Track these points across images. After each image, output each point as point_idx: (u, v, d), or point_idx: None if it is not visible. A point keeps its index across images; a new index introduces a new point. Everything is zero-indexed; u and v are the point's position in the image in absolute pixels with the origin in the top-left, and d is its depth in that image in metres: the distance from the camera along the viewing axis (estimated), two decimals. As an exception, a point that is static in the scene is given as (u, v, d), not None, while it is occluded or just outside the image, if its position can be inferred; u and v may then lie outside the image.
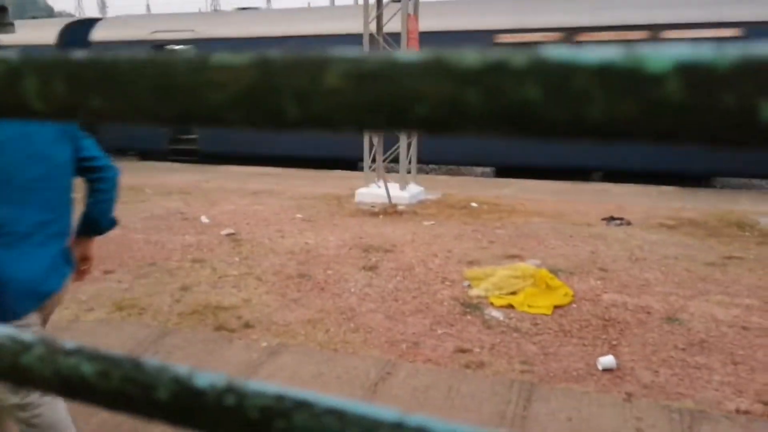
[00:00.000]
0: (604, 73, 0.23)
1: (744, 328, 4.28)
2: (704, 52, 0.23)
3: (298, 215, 7.89)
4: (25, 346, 0.43)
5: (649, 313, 4.58)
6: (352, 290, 5.11)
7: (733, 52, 0.22)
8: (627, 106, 0.23)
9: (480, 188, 10.50)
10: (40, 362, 0.42)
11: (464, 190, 10.16)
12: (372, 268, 5.66)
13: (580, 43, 11.43)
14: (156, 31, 14.73)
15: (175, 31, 14.55)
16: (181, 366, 0.42)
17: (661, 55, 0.23)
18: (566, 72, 0.24)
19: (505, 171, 12.67)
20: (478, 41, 11.17)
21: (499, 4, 11.98)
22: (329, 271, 5.63)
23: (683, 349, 3.99)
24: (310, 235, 6.88)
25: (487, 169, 13.78)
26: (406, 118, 0.27)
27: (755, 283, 5.22)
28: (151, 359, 0.42)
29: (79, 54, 0.32)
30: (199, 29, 14.32)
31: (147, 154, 14.88)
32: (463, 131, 0.26)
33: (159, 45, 14.67)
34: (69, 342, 0.43)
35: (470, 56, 0.25)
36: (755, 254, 6.16)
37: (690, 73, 0.23)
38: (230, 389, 0.40)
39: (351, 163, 12.55)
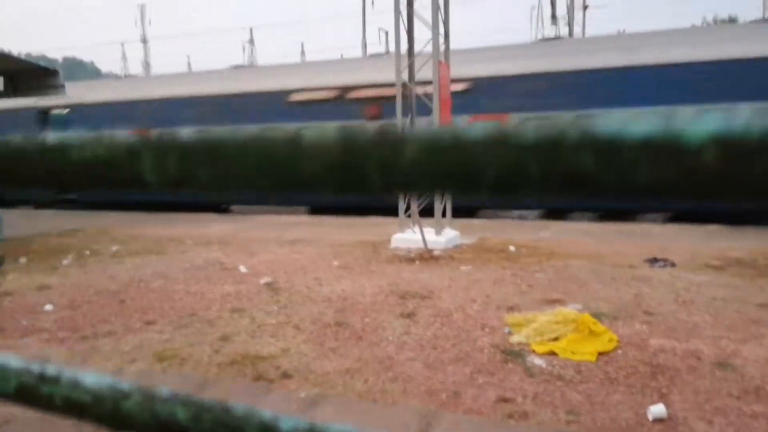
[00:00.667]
0: (648, 144, 0.27)
1: (802, 373, 4.08)
2: (735, 124, 0.26)
3: (335, 263, 7.96)
4: (124, 394, 0.48)
5: (699, 358, 4.41)
6: (390, 338, 5.09)
7: (761, 123, 0.26)
8: (669, 173, 0.27)
9: (517, 231, 10.43)
10: (139, 408, 0.46)
11: (501, 233, 10.11)
12: (409, 316, 5.63)
13: (351, 99, 13.44)
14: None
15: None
16: (266, 410, 0.45)
17: (697, 127, 0.27)
18: (615, 144, 0.27)
19: (550, 213, 12.67)
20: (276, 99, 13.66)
21: (291, 70, 15.04)
22: (367, 319, 5.63)
23: (738, 397, 3.81)
24: (347, 283, 6.91)
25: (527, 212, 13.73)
26: (475, 184, 0.31)
27: (811, 326, 4.99)
28: (239, 404, 0.45)
29: (188, 133, 0.37)
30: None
31: (40, 203, 16.09)
32: (525, 195, 0.30)
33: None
34: (164, 388, 0.47)
35: (529, 131, 0.29)
36: (809, 295, 5.91)
37: (723, 143, 0.26)
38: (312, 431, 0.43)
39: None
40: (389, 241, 9.13)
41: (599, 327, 4.97)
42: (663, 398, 3.83)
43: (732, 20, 31.52)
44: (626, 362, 4.43)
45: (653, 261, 7.59)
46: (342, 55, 26.62)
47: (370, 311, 5.85)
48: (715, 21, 32.93)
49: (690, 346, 4.65)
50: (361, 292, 6.53)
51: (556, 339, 4.86)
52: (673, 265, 7.43)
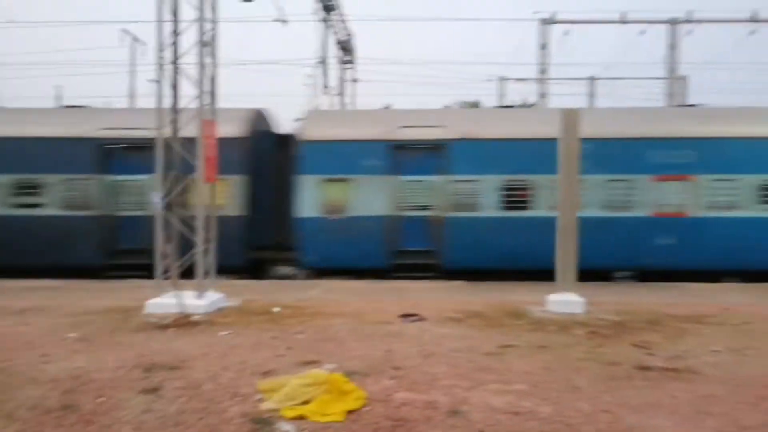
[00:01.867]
0: None
1: (516, 413, 4.61)
2: None
3: (72, 334, 6.97)
4: None
5: (435, 408, 4.72)
6: (127, 418, 4.52)
7: None
8: None
9: (285, 292, 10.39)
10: None
11: (268, 294, 9.96)
12: (154, 390, 5.10)
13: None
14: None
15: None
16: None
17: None
18: None
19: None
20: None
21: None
22: (101, 399, 4.94)
23: (464, 442, 4.13)
24: (83, 358, 6.06)
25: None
26: None
27: (525, 369, 5.73)
28: None
29: None
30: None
31: None
32: None
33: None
34: None
35: None
36: (526, 341, 6.83)
37: None
38: None
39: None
40: (144, 306, 8.34)
41: (349, 386, 5.05)
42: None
43: (475, 105, 36.93)
44: (371, 418, 4.55)
45: (406, 316, 8.12)
46: (108, 104, 24.59)
47: (106, 389, 5.17)
48: (463, 104, 38.21)
49: (429, 396, 4.96)
50: (100, 367, 5.76)
51: (307, 402, 4.81)
52: (423, 319, 8.03)
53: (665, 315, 8.29)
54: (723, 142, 10.28)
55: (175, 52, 8.74)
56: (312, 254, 12.59)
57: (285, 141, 13.86)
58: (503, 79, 29.95)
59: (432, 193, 12.61)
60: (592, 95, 29.71)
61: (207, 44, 8.53)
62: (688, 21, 20.99)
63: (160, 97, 8.65)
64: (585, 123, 11.37)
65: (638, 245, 12.27)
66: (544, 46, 21.49)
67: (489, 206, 12.41)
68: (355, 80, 23.76)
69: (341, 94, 21.76)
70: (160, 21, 8.46)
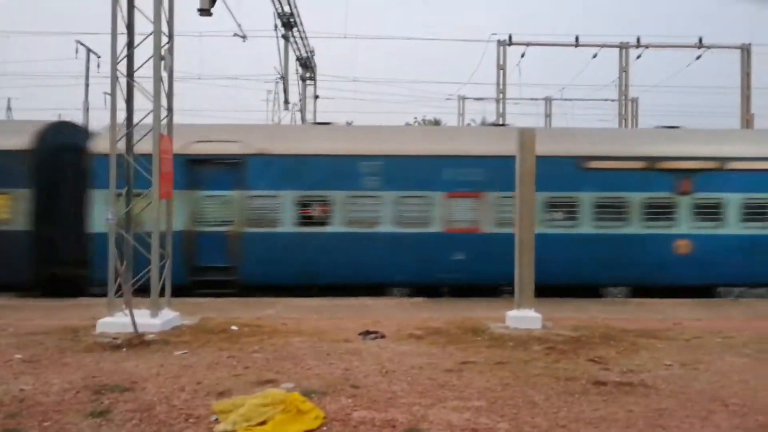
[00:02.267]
0: None
1: (473, 430, 4.61)
2: None
3: (18, 356, 6.66)
4: None
5: (394, 426, 4.68)
6: (73, 443, 4.33)
7: None
8: None
9: (244, 310, 10.19)
10: None
11: (226, 312, 9.76)
12: (102, 414, 4.90)
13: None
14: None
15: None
16: None
17: None
18: None
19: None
20: None
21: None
22: (47, 423, 4.73)
23: (423, 460, 4.10)
24: (29, 380, 5.79)
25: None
26: None
27: (484, 385, 5.75)
28: None
29: None
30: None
31: None
32: None
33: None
34: None
35: None
36: (485, 357, 6.87)
37: None
38: None
39: None
40: (95, 326, 8.05)
41: (307, 405, 4.97)
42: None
43: (436, 123, 37.47)
44: (329, 439, 4.48)
45: (366, 334, 8.07)
46: (60, 116, 23.89)
47: (52, 413, 4.95)
48: (424, 121, 38.74)
49: (387, 415, 4.92)
50: (46, 390, 5.51)
51: (263, 422, 4.70)
52: (383, 336, 7.99)
53: (620, 330, 8.48)
54: (511, 160, 10.56)
55: (130, 65, 8.57)
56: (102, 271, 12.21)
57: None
58: (463, 98, 30.53)
59: (230, 209, 12.48)
60: (548, 115, 30.56)
61: (163, 58, 8.39)
62: (638, 46, 21.84)
63: (114, 111, 8.46)
64: (380, 140, 11.60)
65: (433, 261, 12.43)
66: (501, 67, 21.99)
67: (286, 222, 12.41)
68: (316, 96, 23.81)
69: (302, 110, 21.75)
70: (114, 33, 8.30)
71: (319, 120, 22.07)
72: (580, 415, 4.98)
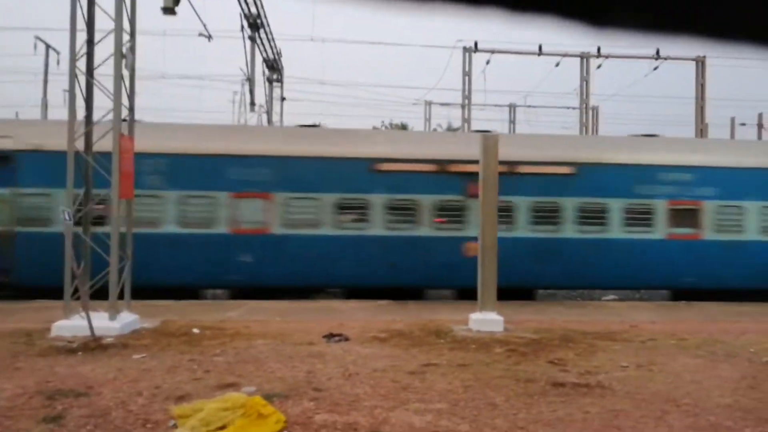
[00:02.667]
0: None
1: (435, 432, 4.64)
2: None
3: (-33, 360, 6.43)
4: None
5: (355, 429, 4.68)
6: (23, 451, 4.20)
7: None
8: None
9: (205, 312, 10.04)
10: None
11: (188, 315, 9.60)
12: (56, 419, 4.77)
13: None
14: None
15: None
16: None
17: None
18: None
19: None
20: None
21: None
22: (-3, 429, 4.58)
23: (384, 463, 4.11)
24: (-22, 385, 5.60)
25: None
26: None
27: (446, 388, 5.80)
28: None
29: None
30: None
31: None
32: None
33: None
34: None
35: None
36: (447, 359, 6.93)
37: None
38: None
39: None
40: (51, 329, 7.82)
41: (268, 409, 4.92)
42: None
43: (403, 127, 37.61)
44: (290, 443, 4.45)
45: (330, 336, 8.04)
46: (17, 114, 23.14)
47: (3, 419, 4.79)
48: (391, 125, 38.85)
49: (349, 418, 4.92)
50: (-3, 395, 5.33)
51: (223, 427, 4.64)
52: (347, 339, 7.98)
53: (579, 332, 8.67)
54: (301, 161, 10.66)
55: (90, 62, 8.38)
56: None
57: None
58: (429, 103, 30.74)
59: (1, 207, 11.86)
60: (512, 122, 31.01)
61: (124, 56, 8.22)
62: (599, 56, 22.40)
63: (72, 109, 8.24)
64: (164, 138, 11.37)
65: (221, 262, 12.28)
66: (467, 73, 22.25)
67: (60, 222, 11.81)
68: (283, 98, 23.64)
69: (268, 112, 21.57)
70: (73, 29, 8.09)
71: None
72: (539, 416, 5.07)
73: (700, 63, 22.10)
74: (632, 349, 7.80)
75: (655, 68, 22.38)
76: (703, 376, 6.51)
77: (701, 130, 21.89)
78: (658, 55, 21.65)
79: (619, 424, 4.95)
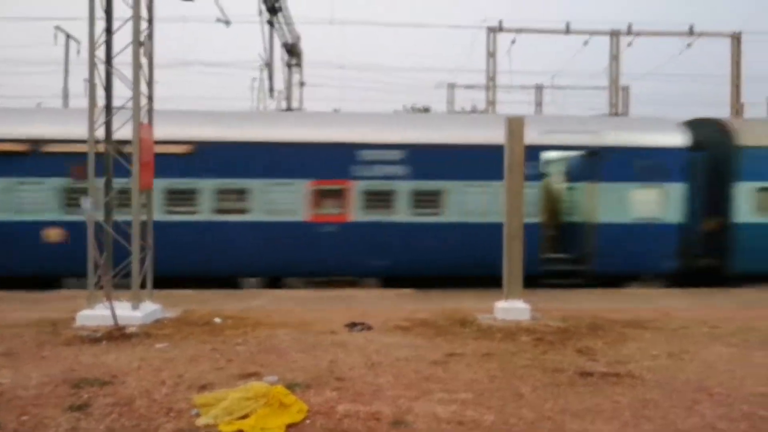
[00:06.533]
0: None
1: (460, 423, 4.54)
2: None
3: (-6, 349, 6.51)
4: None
5: (378, 419, 4.61)
6: (49, 439, 4.21)
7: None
8: None
9: (228, 301, 10.06)
10: None
11: (210, 304, 9.62)
12: (81, 408, 4.79)
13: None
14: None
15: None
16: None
17: None
18: None
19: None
20: None
21: None
22: (24, 417, 4.61)
23: (408, 455, 4.02)
24: (6, 374, 5.66)
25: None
26: None
27: (471, 377, 5.69)
28: None
29: None
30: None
31: None
32: None
33: None
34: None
35: None
36: (472, 349, 6.81)
37: None
38: None
39: None
40: (75, 318, 7.89)
41: (290, 398, 4.88)
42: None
43: (426, 110, 37.21)
44: (312, 431, 4.40)
45: (353, 326, 7.97)
46: (39, 104, 23.42)
47: (30, 407, 4.83)
48: (413, 109, 38.43)
49: (372, 408, 4.84)
50: (25, 384, 5.39)
51: (245, 416, 4.61)
52: (369, 328, 7.90)
53: (608, 320, 8.46)
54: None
55: (108, 51, 8.35)
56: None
57: None
58: (452, 86, 30.34)
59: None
60: (539, 104, 30.49)
61: (142, 44, 8.18)
62: (629, 33, 21.75)
63: (92, 98, 8.24)
64: None
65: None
66: (491, 54, 21.85)
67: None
68: (302, 84, 23.51)
69: (288, 97, 21.48)
70: (92, 18, 8.06)
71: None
72: (566, 406, 4.93)
73: (736, 39, 21.34)
74: (663, 337, 7.59)
75: (689, 45, 21.68)
76: (736, 364, 6.30)
77: (737, 110, 21.20)
78: (691, 32, 20.96)
79: (649, 414, 4.80)
